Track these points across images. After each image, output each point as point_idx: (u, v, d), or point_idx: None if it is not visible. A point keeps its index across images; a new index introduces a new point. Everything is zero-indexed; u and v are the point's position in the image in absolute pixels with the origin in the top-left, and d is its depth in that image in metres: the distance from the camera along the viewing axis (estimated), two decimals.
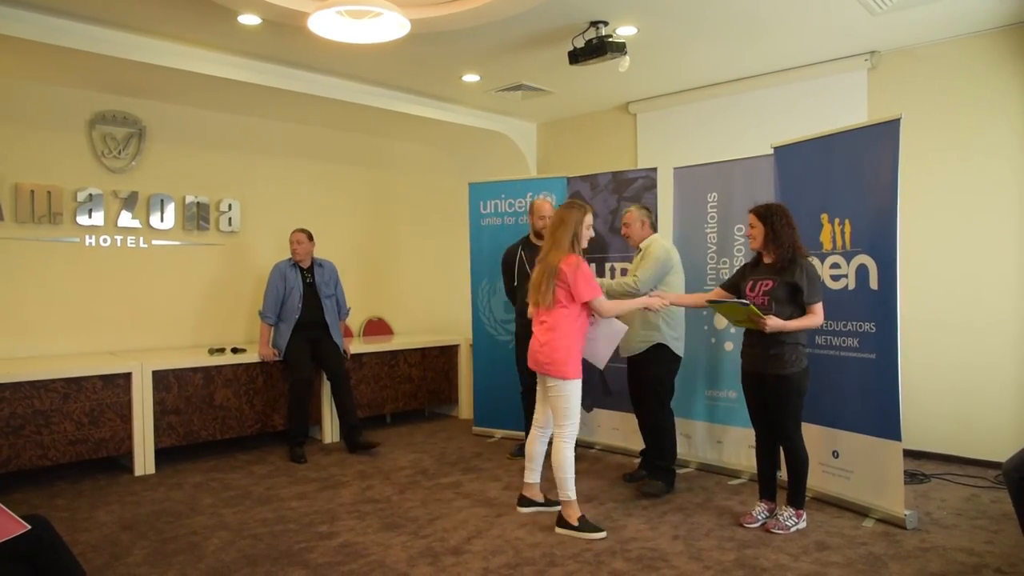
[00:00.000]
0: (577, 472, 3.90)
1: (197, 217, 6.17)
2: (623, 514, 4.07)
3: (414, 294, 7.74)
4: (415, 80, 5.97)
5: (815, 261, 4.07)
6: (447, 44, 5.00)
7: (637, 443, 4.89)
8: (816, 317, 3.69)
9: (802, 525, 3.78)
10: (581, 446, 5.42)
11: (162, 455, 5.14)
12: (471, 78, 5.86)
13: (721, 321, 4.86)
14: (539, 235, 4.87)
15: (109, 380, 4.83)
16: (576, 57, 4.85)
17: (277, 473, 5.04)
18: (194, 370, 5.24)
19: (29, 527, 2.26)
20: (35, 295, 5.37)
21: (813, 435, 4.14)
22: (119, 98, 5.76)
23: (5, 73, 5.14)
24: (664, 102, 6.49)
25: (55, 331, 5.46)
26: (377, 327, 7.48)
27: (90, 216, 5.60)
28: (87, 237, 5.62)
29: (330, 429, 5.97)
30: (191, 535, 3.78)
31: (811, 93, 5.62)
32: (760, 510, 3.89)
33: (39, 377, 4.57)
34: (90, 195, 5.60)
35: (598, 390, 5.52)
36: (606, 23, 4.67)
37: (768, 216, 3.74)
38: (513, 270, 5.30)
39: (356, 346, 6.28)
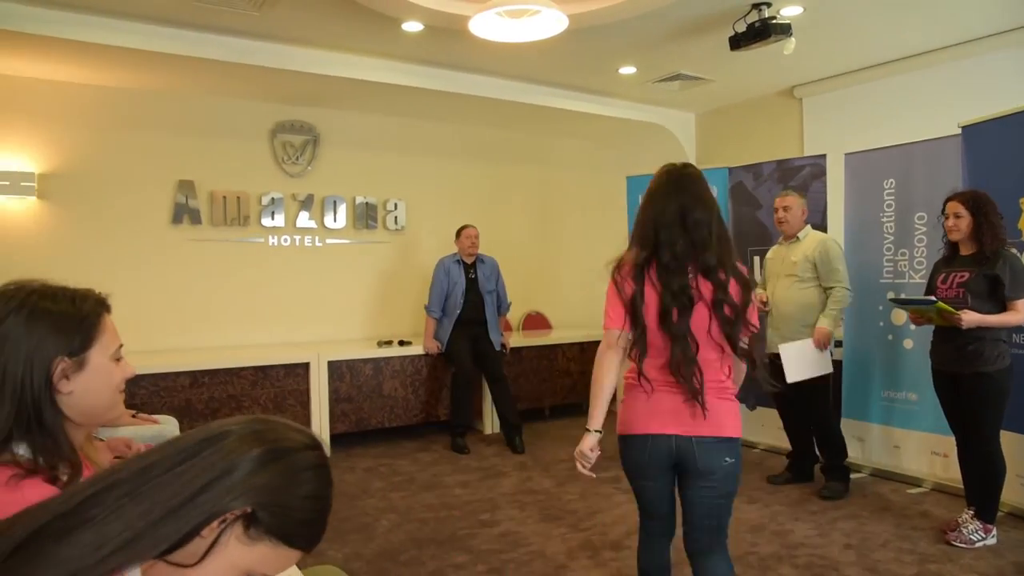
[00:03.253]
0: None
1: (366, 216, 6.54)
2: (790, 518, 3.89)
3: (573, 288, 7.78)
4: (572, 75, 5.99)
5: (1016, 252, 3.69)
6: (604, 37, 4.98)
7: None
8: (1018, 314, 3.30)
9: (990, 541, 3.43)
10: (744, 445, 5.23)
11: (335, 440, 5.49)
12: (628, 70, 5.80)
13: (899, 316, 4.52)
14: None
15: (291, 369, 5.24)
16: (738, 42, 4.67)
17: (441, 461, 5.24)
18: (364, 361, 5.56)
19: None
20: (227, 290, 5.91)
21: (1010, 443, 3.74)
22: (296, 108, 6.22)
23: (200, 92, 5.69)
24: (832, 84, 6.11)
25: (243, 323, 5.97)
26: (536, 321, 7.60)
27: (272, 218, 6.09)
28: (270, 237, 6.11)
29: (490, 421, 6.14)
30: (363, 515, 4.02)
31: (995, 67, 5.05)
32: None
33: (232, 365, 5.04)
34: (272, 199, 6.09)
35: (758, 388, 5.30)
36: (769, 4, 4.46)
37: (976, 205, 3.39)
38: None
39: (515, 340, 6.41)
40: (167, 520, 0.80)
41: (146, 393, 4.71)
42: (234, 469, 0.84)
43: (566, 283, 7.81)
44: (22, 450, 1.13)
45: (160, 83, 5.45)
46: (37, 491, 1.06)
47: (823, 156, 5.13)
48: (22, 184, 5.11)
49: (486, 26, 4.20)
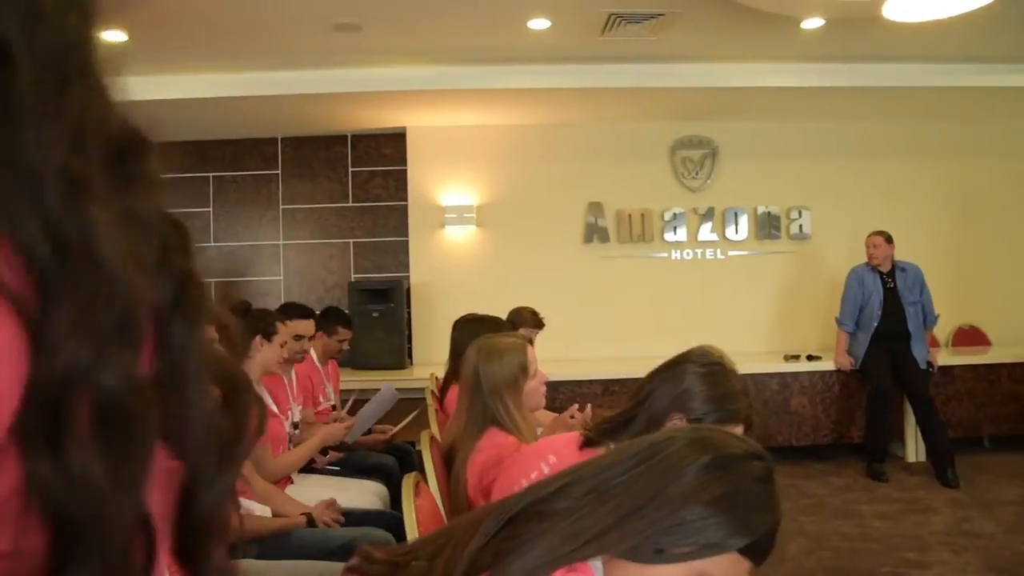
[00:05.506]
0: None
1: (768, 226, 6.34)
2: None
3: (1013, 298, 6.55)
4: (1010, 45, 5.07)
5: None
6: None
7: None
8: None
9: None
10: None
11: None
12: None
13: None
14: None
15: None
16: None
17: (854, 487, 4.82)
18: (770, 375, 5.38)
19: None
20: (634, 304, 6.23)
21: None
22: (693, 123, 6.31)
23: (603, 118, 6.14)
24: None
25: (649, 335, 6.20)
26: (969, 336, 6.54)
27: (675, 233, 6.26)
28: (673, 252, 6.29)
29: (914, 447, 5.45)
30: None
31: None
32: None
33: (642, 375, 5.26)
34: (674, 214, 6.26)
35: None
36: None
37: None
38: None
39: (943, 357, 5.60)
40: (630, 520, 0.87)
41: (563, 398, 5.17)
42: (684, 475, 0.88)
43: (1004, 292, 6.57)
44: None
45: (568, 116, 6.04)
46: None
47: None
48: (464, 215, 6.09)
49: (903, 7, 3.79)
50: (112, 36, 4.44)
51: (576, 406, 2.40)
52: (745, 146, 6.36)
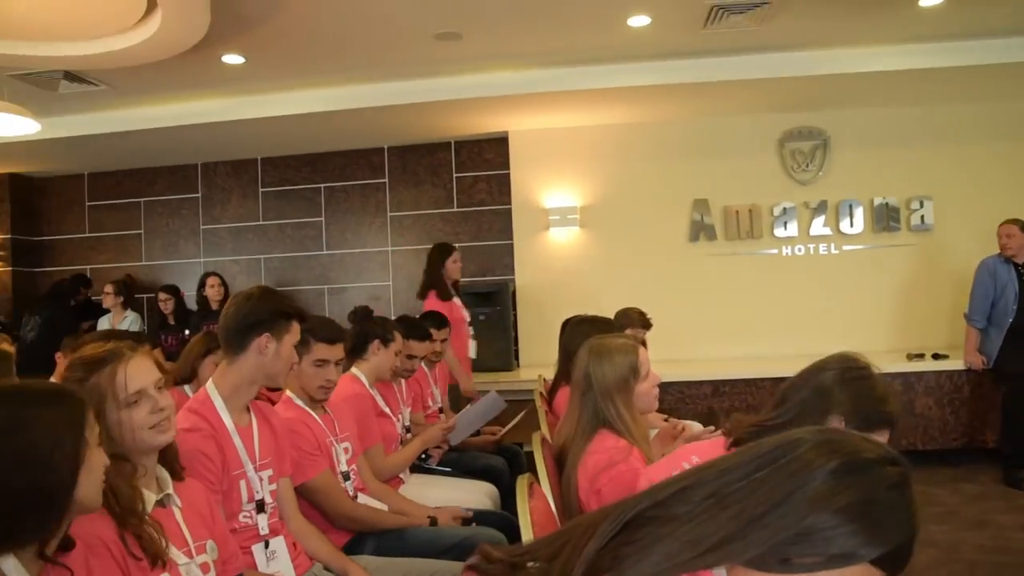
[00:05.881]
0: None
1: (886, 218, 6.02)
2: None
3: None
4: None
5: None
6: None
7: None
8: None
9: None
10: None
11: None
12: None
13: None
14: None
15: None
16: None
17: (989, 496, 4.50)
18: (893, 375, 5.08)
19: None
20: (742, 302, 6.05)
21: None
22: (803, 114, 6.07)
23: (707, 113, 6.00)
24: None
25: (759, 334, 6.02)
26: None
27: (785, 228, 6.05)
28: (783, 247, 6.08)
29: None
30: None
31: None
32: None
33: (752, 376, 5.15)
34: (784, 208, 6.05)
35: None
36: None
37: None
38: None
39: None
40: (753, 528, 0.82)
41: (672, 399, 5.09)
42: (811, 480, 0.83)
43: None
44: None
45: (670, 113, 5.94)
46: None
47: None
48: (568, 217, 6.09)
49: None
50: (231, 60, 4.71)
51: (681, 424, 2.36)
52: (859, 135, 6.07)
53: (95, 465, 1.27)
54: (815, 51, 4.97)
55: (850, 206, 6.02)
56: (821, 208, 6.04)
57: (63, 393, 1.32)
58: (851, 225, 6.02)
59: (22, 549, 1.20)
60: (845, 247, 6.06)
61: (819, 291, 6.03)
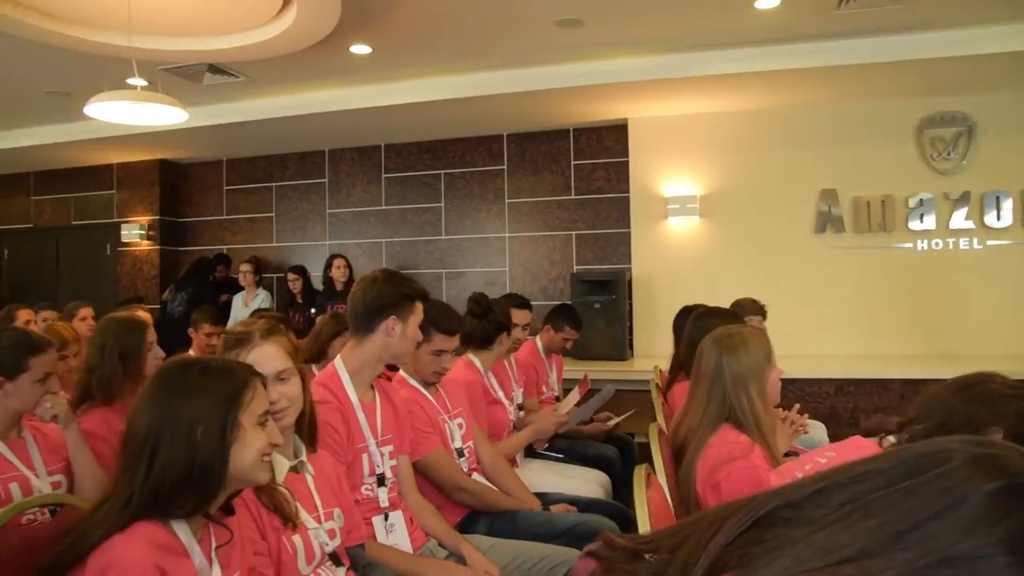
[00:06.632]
0: None
1: None
2: None
3: None
4: None
5: None
6: None
7: None
8: None
9: None
10: None
11: None
12: None
13: None
14: None
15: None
16: None
17: None
18: None
19: None
20: (871, 299, 5.73)
21: None
22: (945, 98, 5.66)
23: (838, 99, 5.69)
24: None
25: (889, 332, 5.70)
26: None
27: (921, 221, 5.68)
28: (919, 241, 5.71)
29: None
30: None
31: None
32: None
33: (881, 376, 4.89)
34: (920, 200, 5.68)
35: None
36: None
37: None
38: None
39: None
40: (894, 545, 0.74)
41: (793, 397, 4.89)
42: (965, 500, 0.72)
43: None
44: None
45: (797, 98, 5.67)
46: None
47: None
48: (687, 206, 5.96)
49: None
50: (359, 50, 4.88)
51: (788, 413, 2.27)
52: (1009, 120, 5.60)
53: (250, 442, 1.32)
54: (960, 31, 4.62)
55: (997, 198, 5.58)
56: (964, 200, 5.63)
57: (223, 370, 1.38)
58: (997, 218, 5.59)
59: (189, 517, 1.30)
60: (990, 242, 5.63)
61: (958, 289, 5.63)
